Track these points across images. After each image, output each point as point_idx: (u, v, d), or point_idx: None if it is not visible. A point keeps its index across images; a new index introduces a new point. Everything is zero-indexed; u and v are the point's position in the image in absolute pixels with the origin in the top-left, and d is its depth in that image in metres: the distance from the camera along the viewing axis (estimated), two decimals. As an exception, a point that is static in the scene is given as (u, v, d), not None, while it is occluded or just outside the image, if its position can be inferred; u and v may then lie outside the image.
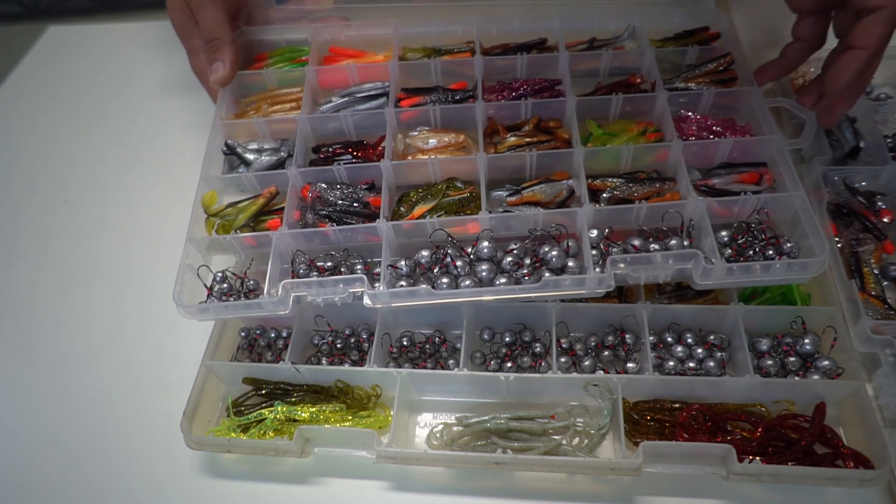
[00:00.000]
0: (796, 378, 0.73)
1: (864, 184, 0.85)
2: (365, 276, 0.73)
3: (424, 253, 0.76)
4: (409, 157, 0.86)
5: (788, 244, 0.73)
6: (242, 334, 0.85)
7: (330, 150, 0.89)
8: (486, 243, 0.74)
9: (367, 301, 0.72)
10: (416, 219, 0.79)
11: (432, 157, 0.84)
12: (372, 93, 0.92)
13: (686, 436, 0.70)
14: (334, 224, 0.80)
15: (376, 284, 0.73)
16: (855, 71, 0.73)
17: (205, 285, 0.80)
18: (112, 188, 1.10)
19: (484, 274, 0.73)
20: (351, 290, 0.74)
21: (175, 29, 0.94)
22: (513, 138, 0.85)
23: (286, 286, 0.73)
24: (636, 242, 0.74)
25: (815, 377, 0.73)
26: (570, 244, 0.74)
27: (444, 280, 0.73)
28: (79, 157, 1.16)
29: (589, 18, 0.95)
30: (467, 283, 0.72)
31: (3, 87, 1.31)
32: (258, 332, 0.85)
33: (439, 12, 0.97)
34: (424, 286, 0.71)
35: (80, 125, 1.21)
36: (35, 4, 1.45)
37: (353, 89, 0.93)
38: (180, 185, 1.04)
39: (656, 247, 0.74)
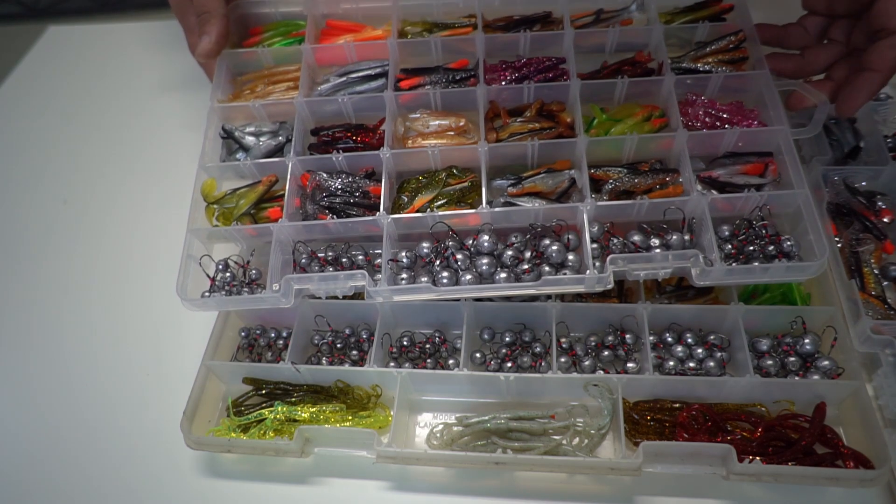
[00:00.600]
0: (796, 378, 0.73)
1: (864, 184, 0.85)
2: (366, 271, 0.73)
3: (425, 245, 0.76)
4: (409, 142, 0.84)
5: (788, 242, 0.72)
6: (242, 334, 0.85)
7: (329, 133, 0.87)
8: (486, 237, 0.74)
9: (368, 296, 0.72)
10: (417, 211, 0.79)
11: (433, 143, 0.83)
12: (370, 72, 0.89)
13: (686, 436, 0.70)
14: (335, 216, 0.80)
15: (377, 278, 0.73)
16: (870, 93, 0.75)
17: (207, 275, 0.80)
18: (112, 188, 1.10)
19: (484, 268, 0.73)
20: (352, 284, 0.74)
21: (172, 8, 0.91)
22: (515, 123, 0.83)
23: (288, 280, 0.73)
24: (636, 238, 0.74)
25: (815, 377, 0.73)
26: (570, 237, 0.74)
27: (445, 274, 0.73)
28: (79, 157, 1.16)
29: None
30: (468, 277, 0.72)
31: (3, 87, 1.31)
32: (258, 331, 0.85)
33: None
34: (425, 281, 0.71)
35: (80, 125, 1.21)
36: (35, 4, 1.46)
37: (350, 68, 0.90)
38: (180, 186, 1.04)
39: (657, 242, 0.73)
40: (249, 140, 0.87)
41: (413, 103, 0.87)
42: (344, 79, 0.90)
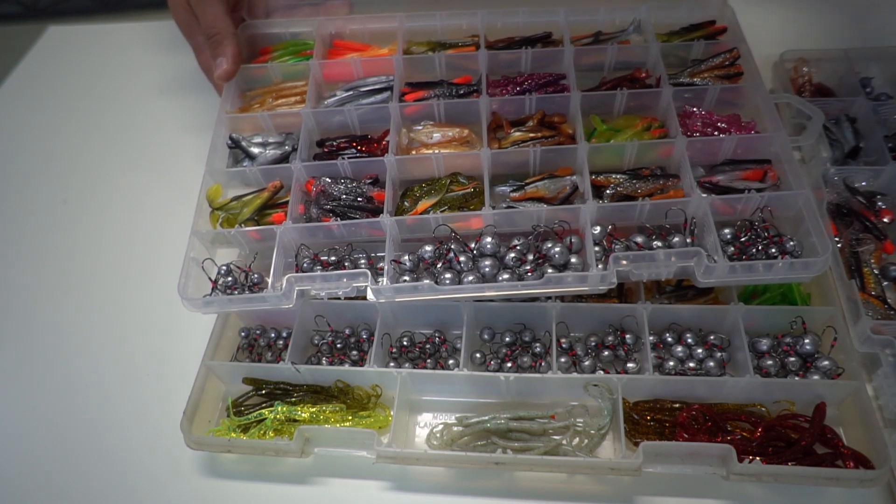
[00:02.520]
0: (796, 378, 0.73)
1: (864, 184, 0.85)
2: (368, 271, 0.73)
3: (428, 248, 0.76)
4: (414, 152, 0.86)
5: (791, 242, 0.72)
6: (242, 334, 0.85)
7: (334, 143, 0.89)
8: (489, 239, 0.74)
9: (370, 296, 0.72)
10: (420, 214, 0.80)
11: (436, 151, 0.84)
12: (376, 87, 0.92)
13: (686, 436, 0.70)
14: (338, 218, 0.80)
15: (380, 279, 0.73)
16: None
17: (209, 278, 0.80)
18: (112, 188, 1.10)
19: (487, 269, 0.73)
20: (355, 285, 0.74)
21: (179, 27, 0.93)
22: (517, 133, 0.85)
23: (290, 280, 0.73)
24: (639, 240, 0.74)
25: (815, 377, 0.73)
26: (572, 240, 0.75)
27: (447, 276, 0.73)
28: (79, 157, 1.16)
29: (595, 12, 0.94)
30: (470, 278, 0.72)
31: (3, 87, 1.31)
32: (258, 332, 0.85)
33: (445, 4, 0.96)
34: (427, 281, 0.72)
35: (81, 125, 1.21)
36: (35, 4, 1.46)
37: (357, 83, 0.93)
38: (180, 186, 1.04)
39: (659, 244, 0.74)
40: (255, 150, 0.88)
41: (417, 115, 0.89)
42: (350, 93, 0.92)
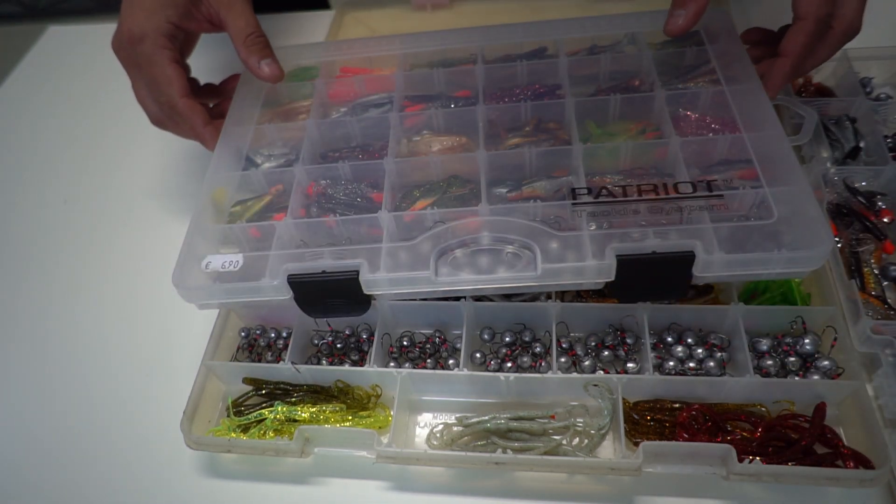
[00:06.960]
0: (796, 378, 0.73)
1: (864, 184, 0.85)
2: (366, 261, 0.73)
3: (425, 246, 0.76)
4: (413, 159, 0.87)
5: (788, 237, 0.72)
6: (242, 334, 0.85)
7: (336, 154, 0.91)
8: (485, 234, 0.74)
9: (365, 289, 0.72)
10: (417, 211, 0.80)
11: (434, 156, 0.85)
12: (378, 102, 0.96)
13: (686, 436, 0.70)
14: (337, 215, 0.81)
15: (377, 272, 0.73)
16: (783, 77, 0.79)
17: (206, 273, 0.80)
18: (112, 187, 1.10)
19: (484, 265, 0.73)
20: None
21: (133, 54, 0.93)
22: (514, 138, 0.86)
23: (286, 269, 0.73)
24: (635, 235, 0.74)
25: (815, 377, 0.73)
26: (568, 237, 0.75)
27: (444, 270, 0.73)
28: (79, 157, 1.16)
29: (588, 29, 0.96)
30: (467, 271, 0.72)
31: (3, 87, 1.31)
32: (258, 332, 0.85)
33: (443, 36, 1.00)
34: (424, 274, 0.71)
35: (81, 124, 1.21)
36: (35, 4, 1.46)
37: (360, 101, 0.96)
38: (182, 187, 1.04)
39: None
40: (260, 160, 0.90)
41: (416, 127, 0.91)
42: (354, 109, 0.95)
